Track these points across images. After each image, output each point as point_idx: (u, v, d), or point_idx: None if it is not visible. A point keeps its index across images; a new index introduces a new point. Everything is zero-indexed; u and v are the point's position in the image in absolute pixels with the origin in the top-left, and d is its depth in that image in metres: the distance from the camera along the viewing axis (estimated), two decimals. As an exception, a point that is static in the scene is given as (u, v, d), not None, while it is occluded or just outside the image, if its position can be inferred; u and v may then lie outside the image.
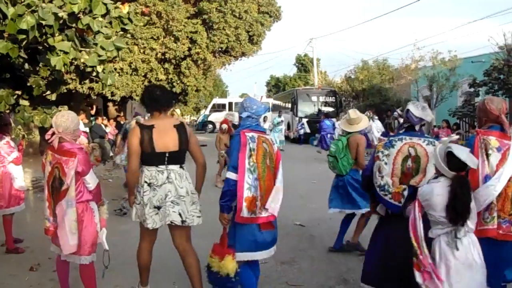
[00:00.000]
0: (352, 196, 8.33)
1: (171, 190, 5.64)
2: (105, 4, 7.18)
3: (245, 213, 5.32)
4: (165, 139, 5.68)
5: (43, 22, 6.74)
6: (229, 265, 5.33)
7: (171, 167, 5.70)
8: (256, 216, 5.40)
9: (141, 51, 25.45)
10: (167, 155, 5.68)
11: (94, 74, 8.90)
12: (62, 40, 7.47)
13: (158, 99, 5.85)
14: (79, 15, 7.19)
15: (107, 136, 23.07)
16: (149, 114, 6.08)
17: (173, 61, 26.21)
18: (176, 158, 5.75)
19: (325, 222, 10.53)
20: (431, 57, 30.24)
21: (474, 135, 4.99)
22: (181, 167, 5.80)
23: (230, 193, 5.36)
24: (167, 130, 5.73)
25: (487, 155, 4.76)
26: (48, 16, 6.74)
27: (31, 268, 7.38)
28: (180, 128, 5.81)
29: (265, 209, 5.44)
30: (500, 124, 4.88)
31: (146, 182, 5.67)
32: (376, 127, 28.32)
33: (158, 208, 5.64)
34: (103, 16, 7.49)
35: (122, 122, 27.61)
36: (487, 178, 4.73)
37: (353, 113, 8.58)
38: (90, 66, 8.23)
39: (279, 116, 30.68)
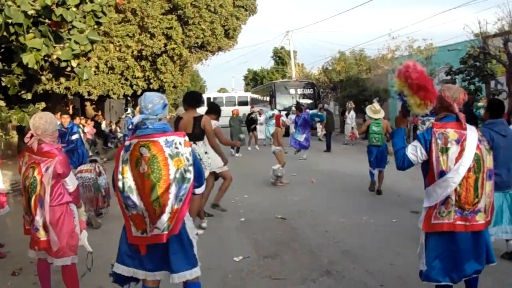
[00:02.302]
0: (386, 158, 13.12)
1: None
2: (78, -7, 7.14)
3: (133, 231, 4.67)
4: (185, 125, 8.76)
5: (11, 21, 6.66)
6: None
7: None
8: (148, 235, 4.62)
9: (117, 49, 25.34)
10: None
11: (69, 69, 8.82)
12: (34, 37, 7.40)
13: (186, 100, 9.22)
14: (52, 7, 7.13)
15: (85, 136, 22.94)
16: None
17: (150, 58, 26.13)
18: (191, 137, 7.47)
19: (306, 214, 10.57)
20: (408, 45, 30.34)
21: (431, 127, 4.94)
22: (194, 143, 8.57)
23: None
24: (188, 119, 8.84)
25: (447, 149, 4.73)
26: (17, 14, 6.67)
27: (13, 272, 7.30)
28: (197, 119, 8.83)
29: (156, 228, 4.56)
30: (456, 115, 4.84)
31: None
32: (351, 118, 28.69)
33: None
34: (77, 6, 7.44)
35: (99, 121, 27.49)
36: (442, 174, 4.67)
37: (377, 105, 13.69)
38: (65, 61, 8.16)
39: (272, 109, 30.61)
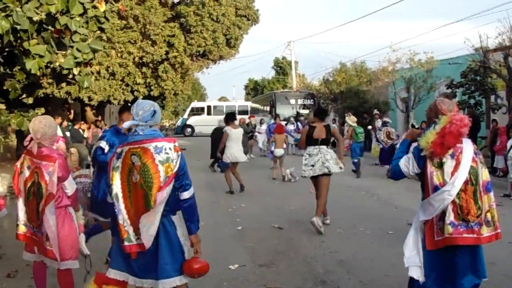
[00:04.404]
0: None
1: (321, 157, 10.44)
2: (82, 3, 7.12)
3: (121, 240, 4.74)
4: (319, 132, 10.69)
5: (18, 27, 6.68)
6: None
7: (321, 146, 10.61)
8: (130, 243, 4.66)
9: (119, 55, 25.37)
10: (319, 140, 10.66)
11: (71, 76, 8.84)
12: (38, 43, 7.41)
13: (318, 114, 11.29)
14: (56, 16, 7.14)
15: (85, 141, 22.94)
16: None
17: (151, 65, 26.16)
18: (324, 142, 10.72)
19: (303, 224, 10.55)
20: (409, 58, 30.42)
21: None
22: (327, 146, 10.75)
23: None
24: (320, 128, 10.76)
25: (442, 164, 4.74)
26: (23, 20, 6.69)
27: (9, 275, 7.30)
28: (327, 127, 10.93)
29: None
30: None
31: (307, 153, 10.70)
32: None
33: (312, 166, 10.45)
34: (81, 15, 7.45)
35: (101, 127, 27.49)
36: (436, 189, 4.67)
37: (354, 117, 20.37)
38: (67, 69, 8.18)
39: (274, 119, 30.73)
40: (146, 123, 4.71)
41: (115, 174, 4.65)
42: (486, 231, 4.76)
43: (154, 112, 4.78)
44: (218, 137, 20.43)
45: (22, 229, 5.75)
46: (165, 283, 4.64)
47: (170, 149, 4.59)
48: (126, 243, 4.64)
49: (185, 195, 4.78)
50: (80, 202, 8.95)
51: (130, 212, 4.61)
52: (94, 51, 8.25)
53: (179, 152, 4.66)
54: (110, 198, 4.72)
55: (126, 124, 4.78)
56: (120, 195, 4.62)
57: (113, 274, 4.84)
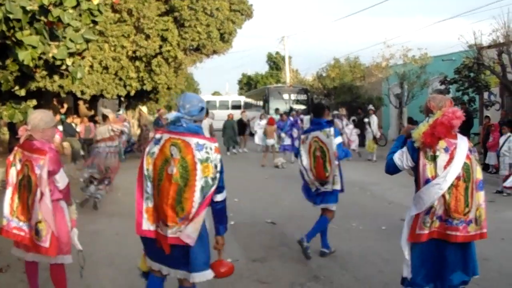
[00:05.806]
0: None
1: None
2: (75, -4, 7.12)
3: (145, 225, 4.72)
4: None
5: (11, 16, 6.64)
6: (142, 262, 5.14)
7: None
8: (149, 228, 4.73)
9: (112, 49, 25.22)
10: None
11: (64, 67, 8.79)
12: (31, 34, 7.38)
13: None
14: (49, 8, 7.10)
15: (78, 136, 22.85)
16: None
17: (144, 59, 26.03)
18: None
19: (296, 219, 10.55)
20: (402, 54, 30.44)
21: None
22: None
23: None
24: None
25: (435, 157, 4.74)
26: (16, 9, 6.66)
27: (0, 269, 7.27)
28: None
29: (165, 227, 4.60)
30: None
31: None
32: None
33: None
34: (74, 8, 7.41)
35: (98, 122, 27.37)
36: (427, 182, 4.68)
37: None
38: (60, 59, 8.14)
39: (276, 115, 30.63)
40: (191, 117, 4.72)
41: (150, 159, 4.65)
42: (473, 229, 4.77)
43: (202, 108, 4.79)
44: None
45: (2, 221, 5.73)
46: (199, 276, 4.72)
47: (211, 149, 4.57)
48: (144, 227, 4.71)
49: (219, 197, 4.80)
50: (99, 162, 9.25)
51: (155, 201, 4.63)
52: (87, 41, 8.24)
53: (219, 154, 4.63)
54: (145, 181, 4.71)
55: (171, 116, 4.76)
56: (150, 180, 4.65)
57: (149, 262, 4.92)
